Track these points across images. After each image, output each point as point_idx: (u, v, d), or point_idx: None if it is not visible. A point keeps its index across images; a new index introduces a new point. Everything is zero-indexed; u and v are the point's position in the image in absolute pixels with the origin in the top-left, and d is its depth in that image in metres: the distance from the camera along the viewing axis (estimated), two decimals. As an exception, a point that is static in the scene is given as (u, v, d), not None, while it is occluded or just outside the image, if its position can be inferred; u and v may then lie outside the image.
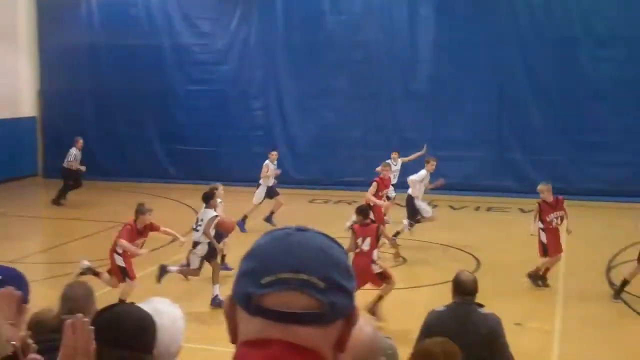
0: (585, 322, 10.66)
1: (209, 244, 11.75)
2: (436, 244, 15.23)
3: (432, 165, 15.27)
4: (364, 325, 2.09)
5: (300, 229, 1.50)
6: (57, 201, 20.31)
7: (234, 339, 1.48)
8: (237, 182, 22.01)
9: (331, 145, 22.26)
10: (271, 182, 17.46)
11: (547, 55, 20.29)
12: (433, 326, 5.97)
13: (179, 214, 18.99)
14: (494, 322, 5.99)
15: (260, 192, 17.28)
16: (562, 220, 12.41)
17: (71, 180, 20.57)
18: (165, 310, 3.14)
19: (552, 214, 12.38)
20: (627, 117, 19.61)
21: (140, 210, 11.32)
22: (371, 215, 12.12)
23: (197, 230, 11.86)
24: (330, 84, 22.34)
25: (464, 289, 6.17)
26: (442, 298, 11.85)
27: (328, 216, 18.78)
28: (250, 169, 22.13)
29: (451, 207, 19.42)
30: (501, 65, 20.72)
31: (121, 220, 17.63)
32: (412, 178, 15.25)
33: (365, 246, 10.60)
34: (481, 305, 6.18)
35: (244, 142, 22.94)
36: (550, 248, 12.27)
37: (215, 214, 11.98)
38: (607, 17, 19.82)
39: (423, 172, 15.22)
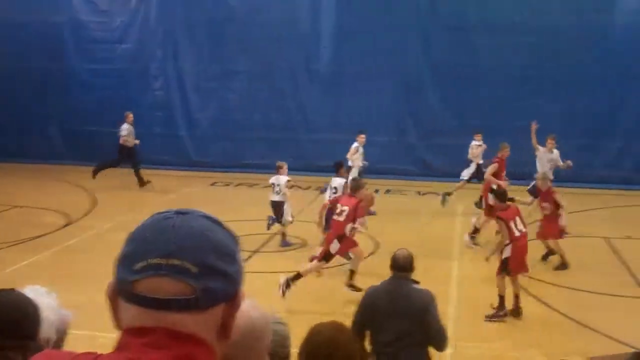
0: (478, 303, 10.95)
1: None
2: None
3: (550, 143, 15.76)
4: (250, 309, 2.07)
5: (181, 212, 1.45)
6: (95, 173, 19.38)
7: (119, 326, 1.43)
8: (136, 163, 21.58)
9: (232, 126, 22.10)
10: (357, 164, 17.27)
11: (444, 42, 20.79)
12: (368, 299, 6.25)
13: (76, 197, 18.49)
14: (427, 297, 6.17)
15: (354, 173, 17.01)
16: (550, 210, 12.65)
17: (124, 156, 19.59)
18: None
19: (542, 203, 12.89)
20: (521, 102, 20.28)
21: (359, 186, 11.45)
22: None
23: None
24: (232, 64, 22.15)
25: (397, 265, 6.39)
26: (343, 279, 12.09)
27: (230, 199, 18.71)
28: (150, 150, 21.77)
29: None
30: (401, 50, 21.07)
31: (13, 204, 17.20)
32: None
33: (522, 227, 10.57)
34: (416, 282, 6.36)
35: (144, 122, 22.45)
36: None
37: (345, 180, 13.15)
38: (501, 4, 20.43)
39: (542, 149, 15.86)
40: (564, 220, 12.64)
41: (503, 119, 20.24)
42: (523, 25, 20.22)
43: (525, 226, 10.75)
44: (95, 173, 19.48)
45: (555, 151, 15.80)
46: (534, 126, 16.06)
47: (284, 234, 14.33)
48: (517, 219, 10.56)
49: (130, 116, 19.88)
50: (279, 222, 14.20)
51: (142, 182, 19.39)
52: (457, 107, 20.84)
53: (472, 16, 20.73)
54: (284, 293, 10.48)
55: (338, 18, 21.54)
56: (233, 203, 17.92)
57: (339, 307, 9.60)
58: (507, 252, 10.36)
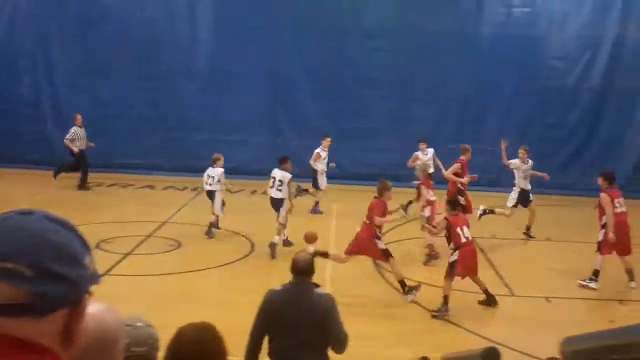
0: (352, 301, 11.08)
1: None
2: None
3: (522, 154, 15.78)
4: (104, 312, 1.99)
5: (24, 212, 1.40)
6: (55, 174, 18.96)
7: None
8: (1, 162, 20.64)
9: (105, 125, 21.43)
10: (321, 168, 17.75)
11: (320, 44, 20.98)
12: (268, 304, 6.04)
13: None
14: (328, 302, 6.03)
15: (321, 179, 17.68)
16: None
17: (74, 160, 19.06)
18: None
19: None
20: (393, 104, 20.80)
21: (387, 187, 11.71)
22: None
23: (280, 190, 13.67)
24: (106, 60, 21.45)
25: (297, 268, 6.17)
26: (220, 280, 12.02)
27: (101, 200, 18.22)
28: (18, 148, 20.80)
29: (228, 190, 19.45)
30: (277, 50, 21.13)
31: None
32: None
33: (468, 234, 11.04)
34: (317, 285, 6.21)
35: (11, 118, 21.48)
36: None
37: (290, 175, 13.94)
38: (375, 9, 20.84)
39: (515, 161, 15.83)
40: (426, 214, 13.44)
41: (378, 122, 20.71)
42: (397, 30, 20.74)
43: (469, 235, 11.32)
44: (55, 174, 19.08)
45: (530, 161, 15.99)
46: (503, 144, 16.21)
47: (214, 223, 14.76)
48: (465, 227, 11.18)
49: (78, 118, 19.27)
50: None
51: (83, 185, 19.12)
52: (332, 109, 21.05)
53: (347, 19, 21.02)
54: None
55: (215, 16, 21.35)
56: (104, 204, 17.46)
57: (209, 309, 9.49)
58: (454, 257, 11.00)
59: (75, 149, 18.85)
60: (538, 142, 20.55)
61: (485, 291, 11.26)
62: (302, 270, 6.16)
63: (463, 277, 11.12)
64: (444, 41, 20.80)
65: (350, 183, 19.46)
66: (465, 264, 10.97)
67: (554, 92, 21.23)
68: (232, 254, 13.34)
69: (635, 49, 21.06)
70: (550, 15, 21.17)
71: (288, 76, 21.25)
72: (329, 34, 20.89)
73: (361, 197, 17.90)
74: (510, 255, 14.48)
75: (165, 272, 12.35)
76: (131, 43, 21.28)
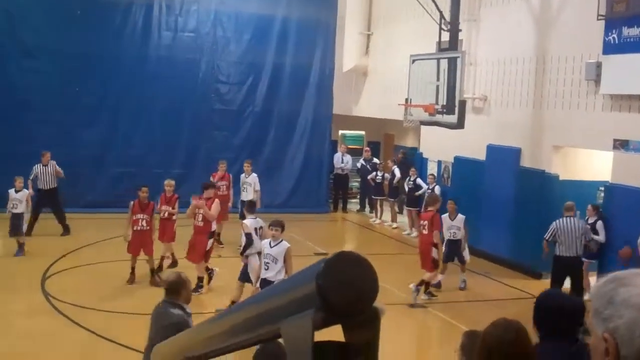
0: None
1: None
2: None
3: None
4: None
5: None
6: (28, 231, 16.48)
7: None
8: None
9: None
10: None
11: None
12: None
13: None
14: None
15: None
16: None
17: (38, 200, 17.13)
18: None
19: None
20: (53, 126, 19.78)
21: (434, 199, 13.64)
22: None
23: None
24: None
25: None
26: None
27: None
28: None
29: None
30: None
31: None
32: None
33: None
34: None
35: None
36: None
37: None
38: (33, 28, 19.76)
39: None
40: None
41: (41, 146, 19.59)
42: (55, 48, 19.80)
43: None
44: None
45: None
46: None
47: None
48: None
49: (47, 155, 17.54)
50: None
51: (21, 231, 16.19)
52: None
53: (3, 37, 19.63)
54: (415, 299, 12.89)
55: None
56: None
57: None
58: None
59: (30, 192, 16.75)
60: (206, 161, 20.95)
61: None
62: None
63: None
64: (119, 64, 20.40)
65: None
66: None
67: (220, 114, 21.89)
68: None
69: (291, 75, 22.51)
70: (214, 41, 21.81)
71: None
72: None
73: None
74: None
75: None
76: None
